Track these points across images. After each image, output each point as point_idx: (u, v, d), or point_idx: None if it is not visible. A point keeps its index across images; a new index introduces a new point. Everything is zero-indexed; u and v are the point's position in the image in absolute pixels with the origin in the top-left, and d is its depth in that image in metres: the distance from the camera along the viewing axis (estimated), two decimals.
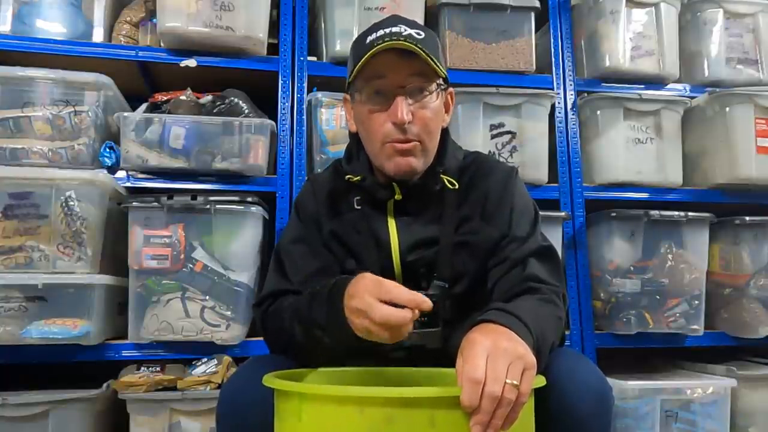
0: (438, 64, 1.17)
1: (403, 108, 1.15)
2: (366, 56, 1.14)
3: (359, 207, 1.27)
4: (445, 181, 1.25)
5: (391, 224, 1.25)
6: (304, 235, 1.30)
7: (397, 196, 1.24)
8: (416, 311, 0.94)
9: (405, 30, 1.17)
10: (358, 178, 1.27)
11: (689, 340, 2.23)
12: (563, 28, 2.41)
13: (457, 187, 1.25)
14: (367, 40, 1.18)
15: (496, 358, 0.80)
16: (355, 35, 2.08)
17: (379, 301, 0.94)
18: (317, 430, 0.82)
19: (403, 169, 1.19)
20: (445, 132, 1.29)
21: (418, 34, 1.17)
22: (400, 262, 1.23)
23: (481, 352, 0.81)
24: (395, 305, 0.93)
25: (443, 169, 1.25)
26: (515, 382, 0.78)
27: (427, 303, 0.94)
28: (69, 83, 1.89)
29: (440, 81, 1.21)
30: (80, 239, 1.77)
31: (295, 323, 1.13)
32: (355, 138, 1.31)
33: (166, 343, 1.86)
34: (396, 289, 0.95)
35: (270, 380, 0.90)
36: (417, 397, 0.77)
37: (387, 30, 1.17)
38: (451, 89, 1.28)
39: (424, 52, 1.13)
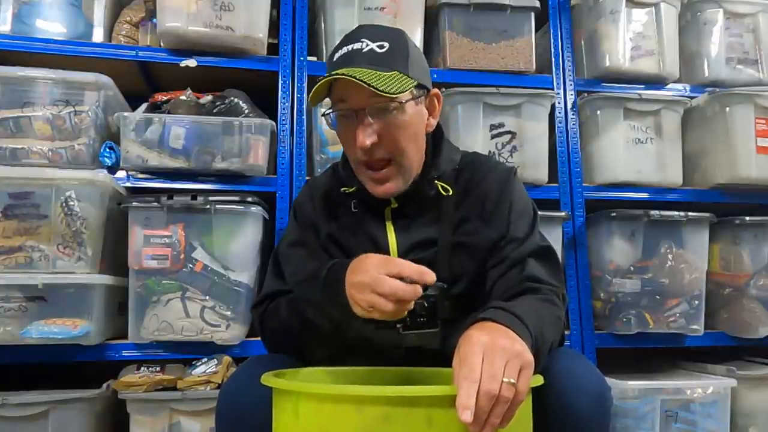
0: (398, 80, 1.12)
1: (362, 133, 1.13)
2: (318, 84, 1.13)
3: (356, 210, 1.27)
4: (439, 187, 1.24)
5: (389, 227, 1.25)
6: (302, 238, 1.31)
7: (393, 205, 1.25)
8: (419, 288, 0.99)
9: (366, 46, 1.15)
10: (353, 189, 1.27)
11: (689, 340, 2.23)
12: (563, 28, 2.41)
13: (451, 193, 1.25)
14: (335, 57, 1.18)
15: (494, 355, 0.79)
16: None
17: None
18: (314, 428, 0.82)
19: (382, 194, 1.20)
20: (439, 136, 1.29)
21: (381, 47, 1.15)
22: None
23: (478, 350, 0.80)
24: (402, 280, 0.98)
25: (438, 174, 1.25)
26: (512, 380, 0.77)
27: (431, 275, 0.99)
28: (69, 83, 1.89)
29: (406, 94, 1.15)
30: (80, 239, 1.77)
31: (291, 311, 1.16)
32: None
33: (166, 343, 1.86)
34: (403, 262, 1.00)
35: (268, 379, 0.90)
36: (414, 396, 0.77)
37: (349, 48, 1.16)
38: (434, 90, 1.25)
39: (372, 81, 1.08)
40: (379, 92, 1.08)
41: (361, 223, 1.26)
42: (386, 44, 1.16)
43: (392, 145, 1.16)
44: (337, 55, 1.18)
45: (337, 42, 1.22)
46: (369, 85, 1.08)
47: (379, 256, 1.03)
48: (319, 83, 1.13)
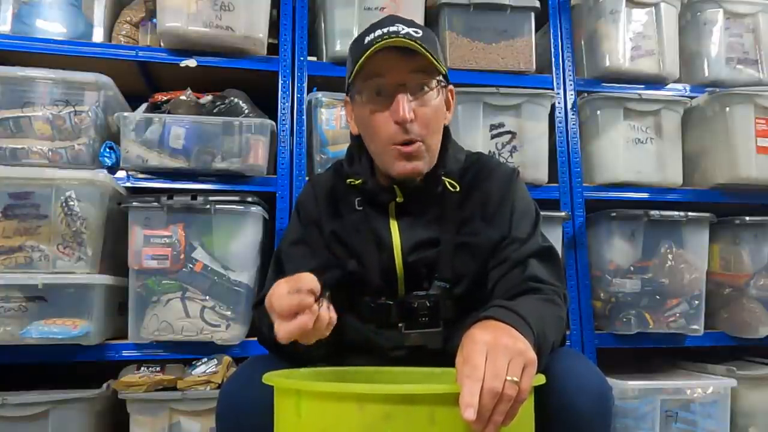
0: (438, 60, 1.16)
1: (404, 106, 1.14)
2: (365, 55, 1.13)
3: (360, 208, 1.27)
4: (446, 183, 1.24)
5: (393, 225, 1.25)
6: (304, 236, 1.30)
7: (399, 199, 1.24)
8: (307, 295, 0.89)
9: (403, 29, 1.16)
10: (360, 181, 1.26)
11: (689, 340, 2.23)
12: (563, 28, 2.41)
13: (458, 189, 1.25)
14: (365, 41, 1.17)
15: (497, 354, 0.79)
16: (355, 35, 2.11)
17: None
18: (316, 427, 0.81)
19: (408, 172, 1.19)
20: (446, 133, 1.29)
21: (416, 32, 1.16)
22: (402, 262, 1.23)
23: (481, 348, 0.80)
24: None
25: (445, 171, 1.25)
26: (515, 379, 0.77)
27: (308, 282, 0.90)
28: (69, 83, 1.89)
29: (440, 78, 1.20)
30: (80, 239, 1.77)
31: (260, 322, 1.16)
32: (356, 139, 1.30)
33: (166, 343, 1.85)
34: (287, 280, 0.92)
35: (269, 377, 0.90)
36: (417, 394, 0.77)
37: (385, 30, 1.16)
38: (451, 86, 1.27)
39: (423, 48, 1.13)
40: (432, 58, 1.13)
41: (366, 220, 1.25)
42: (420, 31, 1.17)
43: (425, 125, 1.17)
44: (369, 38, 1.16)
45: (361, 31, 1.22)
46: (424, 48, 1.12)
47: (293, 276, 0.94)
48: (368, 52, 1.12)
